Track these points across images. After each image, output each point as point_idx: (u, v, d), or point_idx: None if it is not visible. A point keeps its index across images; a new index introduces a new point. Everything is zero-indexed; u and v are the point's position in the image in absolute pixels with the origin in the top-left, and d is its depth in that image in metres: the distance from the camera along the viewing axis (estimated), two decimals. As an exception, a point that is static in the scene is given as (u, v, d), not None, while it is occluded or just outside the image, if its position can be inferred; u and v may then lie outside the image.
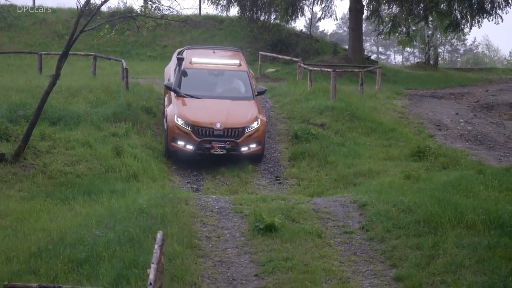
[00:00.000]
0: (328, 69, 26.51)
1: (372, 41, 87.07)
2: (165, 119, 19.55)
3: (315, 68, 27.55)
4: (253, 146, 18.68)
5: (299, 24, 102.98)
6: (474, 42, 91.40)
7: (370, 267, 10.67)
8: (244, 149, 18.55)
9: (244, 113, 19.04)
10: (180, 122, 18.51)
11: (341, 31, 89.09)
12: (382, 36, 40.19)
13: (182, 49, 21.97)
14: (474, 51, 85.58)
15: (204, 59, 20.82)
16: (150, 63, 36.17)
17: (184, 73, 20.05)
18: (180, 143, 18.47)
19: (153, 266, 8.46)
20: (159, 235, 9.17)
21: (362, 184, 16.91)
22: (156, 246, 8.91)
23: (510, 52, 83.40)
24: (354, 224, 12.28)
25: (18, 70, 30.81)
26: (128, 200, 13.44)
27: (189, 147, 18.41)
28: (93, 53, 29.13)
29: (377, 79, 28.56)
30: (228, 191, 16.75)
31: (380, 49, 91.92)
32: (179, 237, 11.03)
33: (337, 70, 26.35)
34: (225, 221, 12.23)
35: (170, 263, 10.12)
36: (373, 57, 60.74)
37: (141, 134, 20.57)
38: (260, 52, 33.59)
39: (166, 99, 20.32)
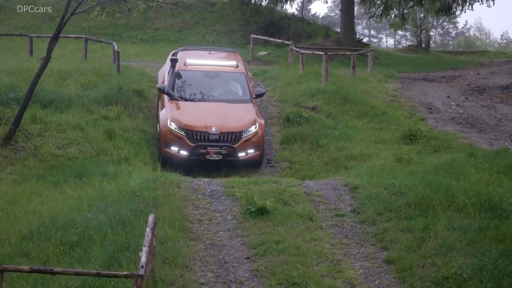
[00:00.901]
0: (320, 52, 26.49)
1: (364, 24, 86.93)
2: (158, 124, 18.61)
3: (307, 51, 27.50)
4: (251, 151, 17.54)
5: (291, 7, 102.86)
6: (465, 25, 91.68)
7: (362, 250, 10.70)
8: (241, 154, 17.42)
9: (241, 116, 17.98)
10: (173, 126, 17.46)
11: (333, 14, 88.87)
12: (374, 19, 40.11)
13: (176, 50, 20.79)
14: (466, 34, 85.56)
15: (199, 60, 19.87)
16: (141, 46, 36.03)
17: (178, 75, 19.03)
18: (174, 148, 17.34)
19: (144, 249, 8.47)
20: (150, 218, 9.18)
21: (353, 167, 16.94)
22: (147, 229, 8.91)
23: (501, 35, 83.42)
24: (345, 207, 12.31)
25: (9, 52, 30.65)
26: (119, 183, 13.43)
27: (183, 152, 17.26)
28: (84, 36, 28.98)
29: (369, 62, 28.54)
30: (220, 174, 16.76)
31: (372, 32, 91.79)
32: (170, 220, 11.04)
33: (329, 53, 26.33)
34: (217, 204, 12.24)
35: (162, 246, 10.13)
36: (365, 40, 60.59)
37: (133, 117, 20.52)
38: (252, 35, 33.49)
39: (159, 103, 19.27)
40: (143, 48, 34.77)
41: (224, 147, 17.27)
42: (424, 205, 11.63)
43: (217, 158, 17.22)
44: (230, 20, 40.16)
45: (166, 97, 18.45)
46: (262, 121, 18.28)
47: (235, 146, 17.31)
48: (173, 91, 18.53)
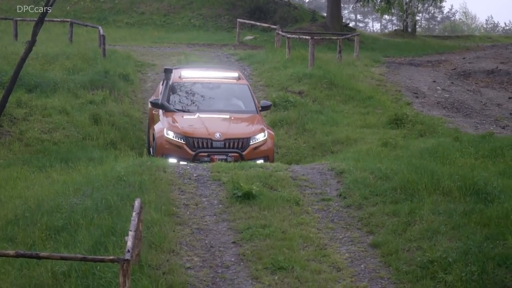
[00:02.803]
0: (306, 37, 26.46)
1: (351, 8, 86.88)
2: (147, 145, 16.84)
3: (293, 36, 27.47)
4: (260, 161, 14.96)
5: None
6: (451, 9, 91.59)
7: (347, 234, 10.74)
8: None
9: (247, 124, 15.82)
10: (171, 135, 15.15)
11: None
12: (361, 3, 40.07)
13: (168, 67, 17.40)
14: (452, 19, 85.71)
15: (197, 72, 17.40)
16: (127, 30, 35.87)
17: (173, 89, 16.51)
18: (172, 160, 14.70)
19: (131, 233, 8.47)
20: (137, 202, 9.17)
21: (339, 151, 16.99)
22: (134, 213, 8.91)
23: (486, 20, 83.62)
24: (331, 191, 12.34)
25: (-7, 36, 30.43)
26: (105, 167, 13.40)
27: (183, 164, 14.47)
28: (69, 20, 28.82)
29: (355, 46, 28.55)
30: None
31: (359, 16, 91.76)
32: (157, 204, 11.03)
33: (315, 37, 26.32)
34: (203, 189, 12.24)
35: (148, 231, 10.13)
36: (351, 24, 60.64)
37: (119, 101, 20.47)
38: (238, 19, 33.40)
39: (150, 122, 16.85)
40: (129, 32, 34.62)
41: (230, 155, 15.03)
42: (409, 189, 11.67)
43: None
44: (216, 4, 40.03)
45: (160, 112, 16.06)
46: (272, 132, 16.10)
47: (243, 153, 15.08)
48: (168, 103, 16.17)
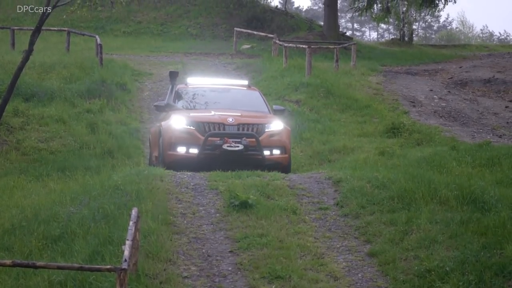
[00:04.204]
0: (303, 46, 26.51)
1: (347, 17, 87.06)
2: (151, 156, 15.75)
3: (290, 45, 27.53)
4: (277, 152, 14.25)
5: (274, 0, 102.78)
6: (447, 18, 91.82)
7: (345, 243, 10.73)
8: (267, 153, 14.09)
9: (261, 114, 14.92)
10: (179, 123, 14.11)
11: (316, 7, 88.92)
12: (358, 12, 40.18)
13: (174, 70, 16.63)
14: (448, 28, 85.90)
15: (203, 79, 16.58)
16: (124, 39, 35.93)
17: (178, 95, 15.47)
18: (181, 149, 13.95)
19: (128, 242, 8.46)
20: (134, 211, 9.16)
21: (337, 160, 16.99)
22: (131, 222, 8.90)
23: (481, 30, 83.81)
24: (328, 200, 12.34)
25: (-10, 45, 30.44)
26: (102, 177, 13.38)
27: (193, 151, 13.87)
28: (66, 29, 28.86)
29: (352, 55, 28.59)
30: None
31: (355, 25, 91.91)
32: (154, 213, 11.02)
33: (312, 46, 26.36)
34: (200, 198, 12.23)
35: (145, 240, 10.12)
36: (348, 33, 60.71)
37: (116, 110, 20.47)
38: (235, 28, 33.47)
39: (152, 146, 15.66)
40: (126, 41, 34.68)
41: (245, 138, 13.91)
42: (407, 198, 11.67)
43: (237, 148, 13.81)
44: (214, 13, 40.10)
45: (165, 115, 15.07)
46: (288, 128, 15.05)
47: (259, 138, 14.00)
48: (175, 103, 15.19)
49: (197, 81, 16.18)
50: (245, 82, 16.58)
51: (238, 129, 14.01)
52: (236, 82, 16.68)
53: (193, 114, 14.44)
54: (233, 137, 13.84)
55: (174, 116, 14.35)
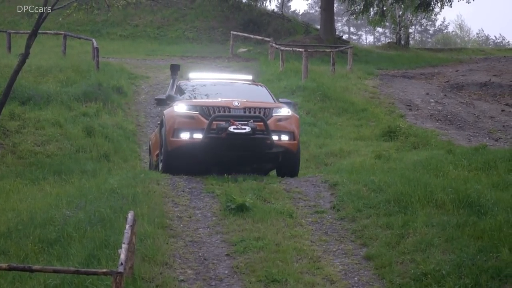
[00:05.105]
0: (300, 49, 26.54)
1: (344, 21, 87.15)
2: (151, 160, 15.48)
3: (286, 48, 27.55)
4: (285, 138, 13.54)
5: (271, 4, 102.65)
6: (444, 22, 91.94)
7: (341, 246, 10.73)
8: (275, 137, 13.40)
9: (268, 100, 14.46)
10: (182, 108, 13.51)
11: (313, 11, 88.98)
12: (354, 16, 40.23)
13: (175, 63, 16.23)
14: (444, 31, 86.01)
15: (206, 74, 16.14)
16: (120, 42, 35.94)
17: (179, 90, 14.92)
18: (184, 135, 13.34)
19: (124, 246, 8.45)
20: (130, 215, 9.15)
21: (333, 164, 17.00)
22: (127, 226, 8.89)
23: (477, 33, 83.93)
24: (325, 203, 12.34)
25: (-13, 49, 30.43)
26: (99, 180, 13.37)
27: (197, 136, 13.25)
28: (63, 32, 28.85)
29: (349, 59, 28.64)
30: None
31: (352, 29, 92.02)
32: (150, 217, 11.01)
33: (308, 50, 26.41)
34: (197, 201, 12.22)
35: (141, 243, 10.11)
36: (344, 37, 60.82)
37: (112, 114, 20.47)
38: (231, 32, 33.51)
39: (153, 149, 15.41)
40: (123, 45, 34.68)
41: (252, 121, 13.19)
42: (403, 201, 11.68)
43: (244, 130, 13.07)
44: (210, 17, 40.13)
45: (167, 107, 14.51)
46: (297, 116, 14.47)
47: (268, 122, 13.31)
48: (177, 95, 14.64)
49: (200, 76, 15.71)
50: (249, 77, 16.09)
51: (245, 112, 13.39)
52: (240, 77, 16.17)
53: (198, 99, 14.00)
54: (239, 120, 13.16)
55: (176, 103, 13.85)
